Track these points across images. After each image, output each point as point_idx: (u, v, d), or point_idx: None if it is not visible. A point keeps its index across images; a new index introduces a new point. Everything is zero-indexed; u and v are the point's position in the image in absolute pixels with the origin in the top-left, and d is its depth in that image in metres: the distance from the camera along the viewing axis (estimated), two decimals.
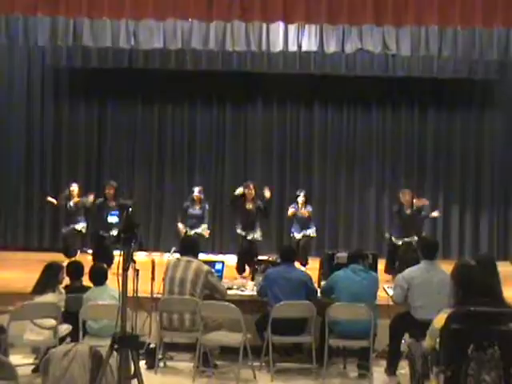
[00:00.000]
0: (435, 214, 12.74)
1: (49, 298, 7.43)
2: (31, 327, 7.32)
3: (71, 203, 12.71)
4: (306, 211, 12.47)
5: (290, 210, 12.56)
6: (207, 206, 12.58)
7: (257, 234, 11.96)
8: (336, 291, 7.86)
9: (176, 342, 8.43)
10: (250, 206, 11.92)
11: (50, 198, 13.39)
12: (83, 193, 12.95)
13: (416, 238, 11.38)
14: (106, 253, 11.41)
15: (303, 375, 7.86)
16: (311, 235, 12.64)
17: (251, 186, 12.00)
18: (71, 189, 12.82)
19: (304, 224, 12.53)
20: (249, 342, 7.62)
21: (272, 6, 11.75)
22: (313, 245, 14.00)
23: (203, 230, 12.29)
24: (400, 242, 11.65)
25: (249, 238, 11.87)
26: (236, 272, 11.54)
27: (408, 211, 11.77)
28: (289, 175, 15.30)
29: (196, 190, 12.48)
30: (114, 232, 11.51)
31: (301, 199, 12.51)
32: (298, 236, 12.48)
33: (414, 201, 11.87)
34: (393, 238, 11.87)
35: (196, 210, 12.36)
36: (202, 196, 12.51)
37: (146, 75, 14.55)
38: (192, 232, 12.15)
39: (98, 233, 12.04)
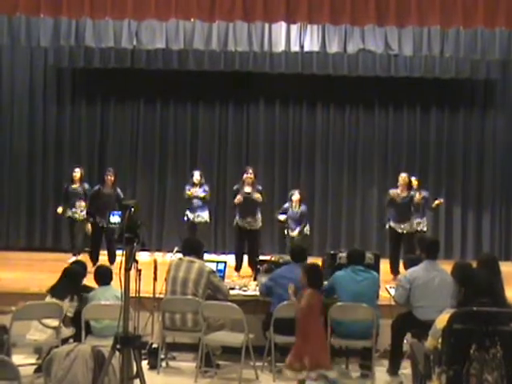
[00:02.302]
0: (437, 201, 12.49)
1: (64, 304, 7.41)
2: (35, 325, 7.32)
3: (72, 186, 12.69)
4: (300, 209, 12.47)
5: (282, 217, 12.50)
6: (207, 188, 12.58)
7: (257, 222, 11.81)
8: (337, 291, 7.86)
9: (178, 342, 8.46)
10: (248, 190, 11.74)
11: (60, 209, 13.09)
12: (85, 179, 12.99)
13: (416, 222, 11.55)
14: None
15: None
16: (305, 232, 12.54)
17: (250, 171, 11.87)
18: (74, 174, 12.75)
19: (298, 221, 12.43)
20: (251, 342, 7.62)
21: (274, 6, 11.73)
22: (314, 244, 14.02)
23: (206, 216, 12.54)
24: (400, 230, 11.62)
25: (248, 227, 11.73)
26: (234, 270, 11.49)
27: (404, 194, 11.67)
28: (291, 175, 15.30)
29: (196, 173, 12.56)
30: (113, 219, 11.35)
31: (295, 197, 12.42)
32: (292, 233, 12.40)
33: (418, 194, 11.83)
34: (392, 224, 11.78)
35: (196, 191, 12.42)
36: (203, 180, 12.61)
37: (149, 75, 14.57)
38: (194, 216, 12.38)
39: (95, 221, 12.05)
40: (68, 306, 7.44)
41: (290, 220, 12.44)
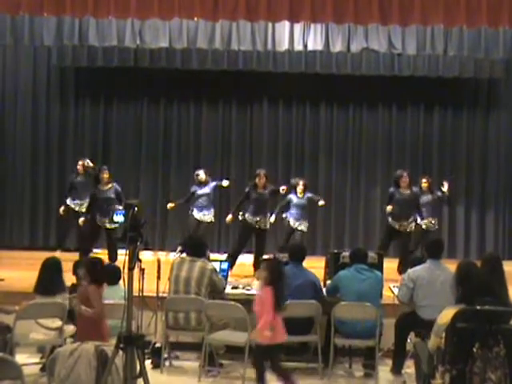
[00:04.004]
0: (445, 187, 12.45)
1: (59, 298, 7.39)
2: (37, 328, 7.30)
3: (78, 178, 12.67)
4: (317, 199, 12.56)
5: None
6: (213, 184, 12.60)
7: (266, 221, 11.75)
8: (341, 290, 7.86)
9: (182, 341, 8.45)
10: (260, 191, 11.69)
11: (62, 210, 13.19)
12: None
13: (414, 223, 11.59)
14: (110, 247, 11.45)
15: (309, 374, 7.85)
16: (304, 230, 12.45)
17: (262, 175, 11.78)
18: (78, 167, 12.74)
19: (300, 213, 12.37)
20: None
21: (278, 5, 11.75)
22: (318, 244, 13.99)
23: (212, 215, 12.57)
24: (397, 226, 11.64)
25: (257, 225, 11.65)
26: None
27: (407, 191, 11.66)
28: (294, 175, 15.21)
29: (201, 172, 12.53)
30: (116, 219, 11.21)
31: (300, 188, 12.36)
32: (292, 223, 12.36)
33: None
34: (389, 220, 11.81)
35: (203, 189, 12.43)
36: (209, 178, 12.62)
37: (152, 74, 14.57)
38: (200, 215, 12.38)
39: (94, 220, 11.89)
40: (63, 299, 7.39)
41: (296, 211, 12.34)
